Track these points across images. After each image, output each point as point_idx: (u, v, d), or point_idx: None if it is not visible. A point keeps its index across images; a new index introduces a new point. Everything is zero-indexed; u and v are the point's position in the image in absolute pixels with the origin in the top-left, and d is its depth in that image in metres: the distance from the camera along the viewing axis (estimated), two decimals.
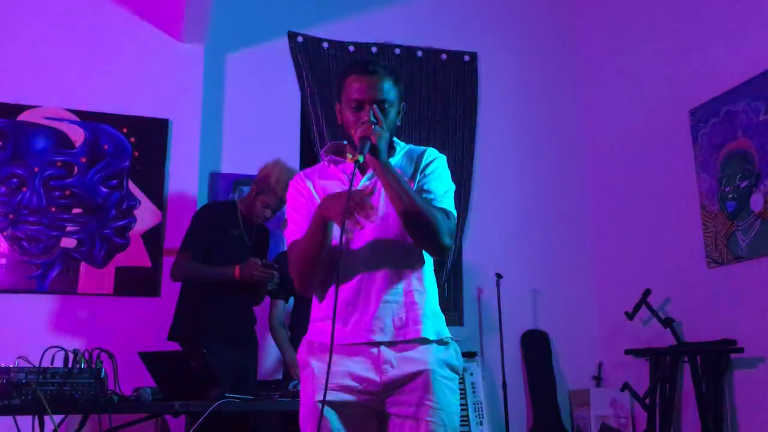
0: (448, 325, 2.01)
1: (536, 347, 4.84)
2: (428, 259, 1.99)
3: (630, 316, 4.40)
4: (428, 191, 1.96)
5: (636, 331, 4.52)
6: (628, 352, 4.44)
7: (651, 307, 4.31)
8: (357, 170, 1.86)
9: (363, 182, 1.97)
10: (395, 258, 1.92)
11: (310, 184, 2.01)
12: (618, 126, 5.00)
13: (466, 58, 5.17)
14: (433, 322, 1.93)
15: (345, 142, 2.06)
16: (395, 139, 2.05)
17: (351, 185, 1.78)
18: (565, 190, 5.19)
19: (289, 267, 1.96)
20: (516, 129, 5.19)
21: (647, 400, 4.20)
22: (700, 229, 4.17)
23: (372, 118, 1.90)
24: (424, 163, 2.02)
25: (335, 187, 1.97)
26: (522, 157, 5.17)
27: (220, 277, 3.38)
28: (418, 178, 1.99)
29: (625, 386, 4.33)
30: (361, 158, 1.81)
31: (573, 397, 4.80)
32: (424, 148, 2.09)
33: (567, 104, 5.32)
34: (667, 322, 4.19)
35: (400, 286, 1.91)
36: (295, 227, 1.97)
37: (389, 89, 1.96)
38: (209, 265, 3.41)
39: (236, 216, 3.55)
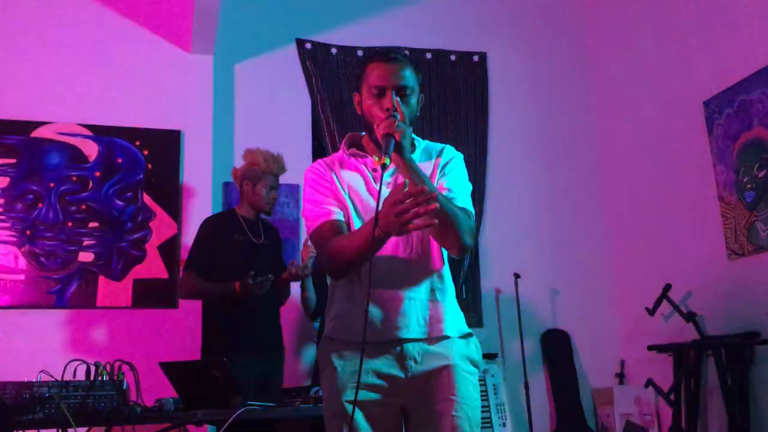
0: (467, 326, 2.00)
1: (557, 346, 4.80)
2: (446, 258, 1.98)
3: (651, 311, 4.36)
4: (448, 189, 1.94)
5: (658, 326, 4.47)
6: (650, 348, 4.39)
7: (672, 301, 4.26)
8: (383, 174, 1.83)
9: (385, 179, 1.94)
10: (418, 257, 1.92)
11: (332, 174, 1.98)
12: (631, 121, 4.96)
13: (476, 58, 5.16)
14: (453, 319, 1.94)
15: (363, 133, 2.04)
16: (413, 135, 2.03)
17: (380, 190, 1.73)
18: (581, 188, 5.15)
19: (324, 255, 1.89)
20: (528, 127, 5.17)
21: (672, 396, 4.15)
22: (719, 221, 4.13)
23: (393, 111, 1.87)
24: (443, 160, 2.01)
25: (358, 180, 1.96)
26: (535, 155, 5.14)
27: (223, 295, 3.36)
28: (438, 176, 1.98)
29: (649, 383, 4.29)
30: (387, 160, 1.79)
31: (596, 396, 4.76)
32: (442, 145, 2.08)
33: (579, 100, 5.29)
34: (690, 317, 4.15)
35: (423, 285, 1.91)
36: (319, 208, 1.92)
37: (410, 76, 1.94)
38: (221, 275, 3.39)
39: (238, 222, 3.53)
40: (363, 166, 1.99)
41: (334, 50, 4.87)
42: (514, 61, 5.24)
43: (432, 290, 1.91)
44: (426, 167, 1.98)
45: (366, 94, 1.95)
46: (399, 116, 1.87)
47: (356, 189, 1.96)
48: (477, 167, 4.90)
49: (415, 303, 1.88)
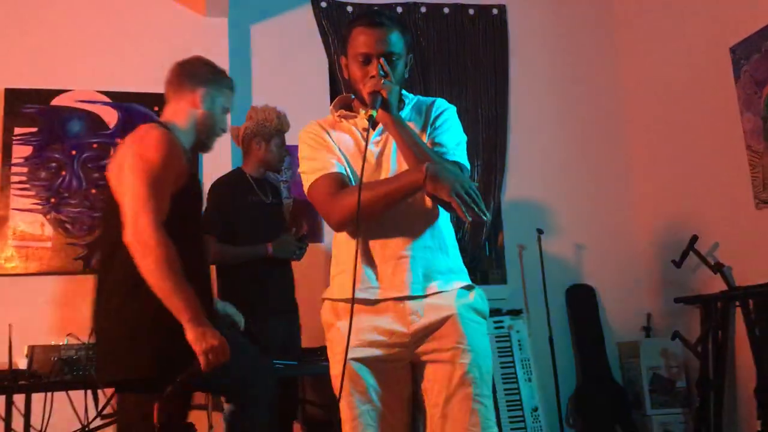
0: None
1: (582, 301, 4.77)
2: (443, 214, 1.95)
3: (678, 263, 4.30)
4: (440, 144, 1.92)
5: (685, 278, 4.42)
6: (677, 300, 4.36)
7: (699, 253, 4.20)
8: (369, 126, 1.83)
9: (374, 137, 1.94)
10: (409, 214, 1.90)
11: (326, 134, 1.97)
12: (656, 69, 4.84)
13: (495, 11, 5.06)
14: (449, 277, 1.91)
15: (352, 96, 2.03)
16: (403, 91, 2.01)
17: (367, 143, 1.80)
18: (605, 140, 5.06)
19: (327, 207, 1.89)
20: (550, 80, 5.07)
21: (699, 348, 4.12)
22: (747, 170, 4.03)
23: (381, 72, 1.86)
24: (434, 114, 1.98)
25: (348, 141, 1.95)
26: (558, 109, 5.05)
27: (253, 257, 3.35)
28: (428, 131, 1.95)
29: (676, 335, 4.25)
30: (374, 113, 1.79)
31: (622, 350, 4.74)
32: (433, 98, 2.05)
33: (602, 50, 5.17)
34: (717, 268, 4.09)
35: (415, 243, 1.88)
36: (320, 162, 1.91)
37: (396, 41, 1.92)
38: (240, 239, 3.39)
39: (248, 182, 3.50)
40: (353, 127, 1.97)
41: (350, 8, 4.80)
42: (535, 14, 5.12)
43: (424, 248, 1.89)
44: (417, 122, 1.96)
45: (352, 59, 1.93)
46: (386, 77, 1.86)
47: (347, 149, 1.94)
48: (498, 123, 4.83)
49: (414, 260, 1.86)
